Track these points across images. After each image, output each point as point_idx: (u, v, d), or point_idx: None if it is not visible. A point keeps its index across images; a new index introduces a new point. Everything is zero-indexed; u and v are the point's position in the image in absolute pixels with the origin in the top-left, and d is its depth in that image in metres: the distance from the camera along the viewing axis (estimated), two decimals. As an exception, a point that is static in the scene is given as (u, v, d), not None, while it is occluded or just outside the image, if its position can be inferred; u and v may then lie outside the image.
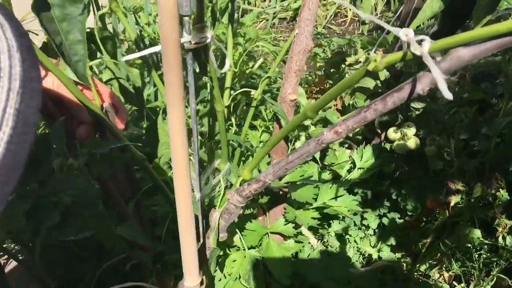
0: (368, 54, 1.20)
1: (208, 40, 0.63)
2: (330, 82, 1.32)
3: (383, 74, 1.13)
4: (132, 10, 1.61)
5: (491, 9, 0.64)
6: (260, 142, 1.26)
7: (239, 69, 1.83)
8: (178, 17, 0.42)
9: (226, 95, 0.89)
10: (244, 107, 1.33)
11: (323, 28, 3.32)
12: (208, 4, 0.96)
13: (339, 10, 3.51)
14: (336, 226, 1.32)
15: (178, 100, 0.47)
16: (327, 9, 3.51)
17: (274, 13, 3.53)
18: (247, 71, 1.89)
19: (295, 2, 3.46)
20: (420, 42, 0.41)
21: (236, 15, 1.72)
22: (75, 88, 0.63)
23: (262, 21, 3.54)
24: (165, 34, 0.42)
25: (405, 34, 0.42)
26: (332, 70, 1.31)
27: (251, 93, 0.85)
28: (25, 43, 0.29)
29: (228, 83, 0.88)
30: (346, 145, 1.35)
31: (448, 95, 0.32)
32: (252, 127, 1.37)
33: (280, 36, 3.34)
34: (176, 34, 0.42)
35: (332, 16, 3.49)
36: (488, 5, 0.67)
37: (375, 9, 3.43)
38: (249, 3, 3.80)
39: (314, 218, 0.90)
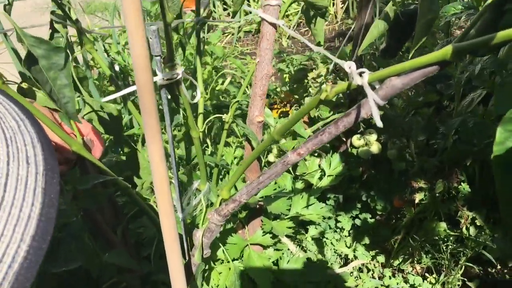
0: (328, 68, 1.28)
1: (179, 76, 0.69)
2: (296, 96, 1.40)
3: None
4: (101, 38, 1.65)
5: (427, 29, 0.73)
6: (235, 158, 1.32)
7: (210, 87, 1.89)
8: (151, 66, 0.48)
9: (200, 120, 0.94)
10: (218, 127, 1.40)
11: (287, 38, 3.42)
12: (176, 36, 1.02)
13: (301, 20, 3.61)
14: (312, 231, 1.39)
15: (157, 137, 0.53)
16: (290, 20, 3.61)
17: (239, 27, 3.61)
18: (217, 88, 1.95)
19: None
20: (361, 74, 0.48)
21: (202, 35, 1.77)
22: (57, 128, 0.68)
23: (228, 35, 3.61)
24: (141, 84, 0.48)
25: (349, 66, 0.49)
26: (296, 86, 1.39)
27: (223, 116, 0.91)
28: (43, 135, 0.36)
29: (201, 109, 0.94)
30: (316, 154, 1.43)
31: (379, 124, 0.39)
32: (226, 144, 1.43)
33: (247, 49, 3.42)
34: (149, 83, 0.48)
35: (296, 26, 3.59)
36: (426, 24, 0.76)
37: (336, 17, 3.56)
38: (213, 18, 3.88)
39: (289, 228, 0.97)
